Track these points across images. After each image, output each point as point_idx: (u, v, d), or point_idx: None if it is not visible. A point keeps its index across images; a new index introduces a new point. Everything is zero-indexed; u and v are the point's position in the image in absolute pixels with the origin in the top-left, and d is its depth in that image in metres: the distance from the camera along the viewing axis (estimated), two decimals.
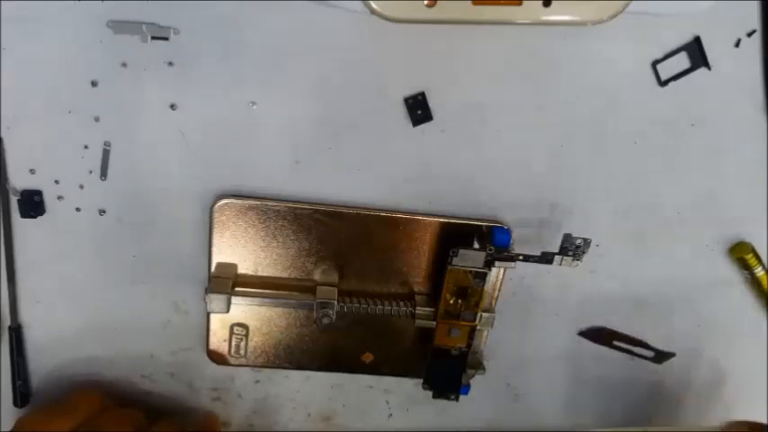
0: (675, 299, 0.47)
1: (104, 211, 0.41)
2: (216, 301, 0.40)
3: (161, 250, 0.43)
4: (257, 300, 0.42)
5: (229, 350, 0.45)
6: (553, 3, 0.34)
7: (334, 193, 0.42)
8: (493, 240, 0.41)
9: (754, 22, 0.39)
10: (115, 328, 0.45)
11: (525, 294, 0.46)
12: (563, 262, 0.40)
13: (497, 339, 0.47)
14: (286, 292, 0.43)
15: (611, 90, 0.40)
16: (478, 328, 0.43)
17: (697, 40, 0.39)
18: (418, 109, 0.40)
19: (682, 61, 0.40)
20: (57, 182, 0.40)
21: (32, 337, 0.45)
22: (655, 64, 0.40)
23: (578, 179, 0.43)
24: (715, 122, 0.42)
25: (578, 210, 0.43)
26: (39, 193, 0.41)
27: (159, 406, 0.47)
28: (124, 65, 0.38)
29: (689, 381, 0.49)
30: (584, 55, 0.39)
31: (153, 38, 0.37)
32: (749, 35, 0.39)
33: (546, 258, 0.40)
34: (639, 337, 0.47)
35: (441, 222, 0.42)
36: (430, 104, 0.40)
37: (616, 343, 0.47)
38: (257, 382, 0.48)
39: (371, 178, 0.42)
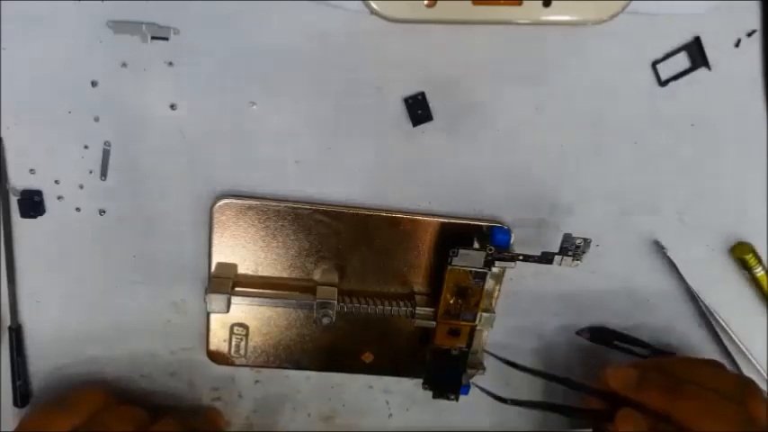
0: (675, 299, 0.47)
1: (104, 211, 0.41)
2: (216, 301, 0.40)
3: (161, 250, 0.43)
4: (257, 300, 0.42)
5: (229, 350, 0.45)
6: (553, 3, 0.34)
7: (334, 193, 0.42)
8: (493, 240, 0.41)
9: (755, 22, 0.39)
10: (115, 328, 0.45)
11: (525, 294, 0.46)
12: (563, 262, 0.40)
13: (497, 340, 0.47)
14: (286, 292, 0.43)
15: (611, 90, 0.40)
16: (478, 328, 0.43)
17: (697, 40, 0.39)
18: (418, 109, 0.40)
19: (682, 61, 0.40)
20: (57, 182, 0.40)
21: (32, 337, 0.45)
22: (655, 64, 0.40)
23: (578, 179, 0.43)
24: (715, 122, 0.42)
25: (578, 210, 0.43)
26: (39, 193, 0.41)
27: (159, 406, 0.47)
28: (124, 65, 0.38)
29: None
30: (584, 55, 0.39)
31: (153, 38, 0.37)
32: (749, 35, 0.39)
33: (546, 258, 0.40)
34: (639, 337, 0.47)
35: (441, 222, 0.42)
36: (430, 104, 0.40)
37: (616, 343, 0.47)
38: (257, 382, 0.48)
39: (371, 178, 0.42)
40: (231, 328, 0.45)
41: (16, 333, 0.44)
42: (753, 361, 0.47)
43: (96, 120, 0.39)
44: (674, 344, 0.48)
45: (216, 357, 0.46)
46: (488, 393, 0.43)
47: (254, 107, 0.39)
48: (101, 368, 0.46)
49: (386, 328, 0.45)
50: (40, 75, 0.38)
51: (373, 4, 0.34)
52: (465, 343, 0.44)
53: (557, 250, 0.40)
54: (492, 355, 0.44)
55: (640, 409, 0.39)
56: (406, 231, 0.43)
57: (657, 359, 0.46)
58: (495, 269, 0.41)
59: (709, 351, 0.48)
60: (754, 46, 0.40)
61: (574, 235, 0.39)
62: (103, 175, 0.40)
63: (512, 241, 0.42)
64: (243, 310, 0.44)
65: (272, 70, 0.38)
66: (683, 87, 0.40)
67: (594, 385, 0.42)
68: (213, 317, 0.44)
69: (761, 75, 0.40)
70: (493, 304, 0.44)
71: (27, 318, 0.44)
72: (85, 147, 0.40)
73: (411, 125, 0.40)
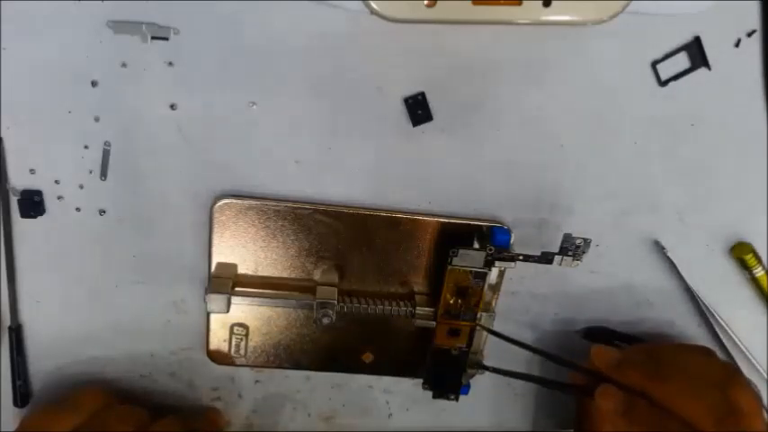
0: (675, 299, 0.47)
1: (104, 211, 0.41)
2: (216, 301, 0.40)
3: (161, 250, 0.43)
4: (257, 300, 0.42)
5: (229, 350, 0.45)
6: (553, 3, 0.34)
7: (334, 193, 0.42)
8: (493, 240, 0.41)
9: (754, 22, 0.39)
10: (115, 328, 0.45)
11: (525, 294, 0.46)
12: (563, 262, 0.40)
13: (498, 339, 0.46)
14: (286, 292, 0.43)
15: (611, 90, 0.40)
16: (478, 328, 0.43)
17: (697, 40, 0.39)
18: (418, 109, 0.40)
19: (682, 61, 0.40)
20: (57, 182, 0.40)
21: (32, 337, 0.45)
22: (655, 64, 0.40)
23: (578, 179, 0.43)
24: (715, 122, 0.42)
25: (578, 210, 0.43)
26: (39, 193, 0.41)
27: (159, 406, 0.47)
28: (124, 65, 0.38)
29: None
30: (584, 55, 0.39)
31: (153, 38, 0.37)
32: (749, 35, 0.39)
33: (546, 258, 0.40)
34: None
35: (441, 222, 0.42)
36: (430, 104, 0.40)
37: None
38: (257, 382, 0.48)
39: (371, 178, 0.42)
40: (231, 328, 0.45)
41: (16, 333, 0.44)
42: (752, 361, 0.47)
43: (96, 120, 0.39)
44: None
45: (216, 357, 0.46)
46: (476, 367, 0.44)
47: (254, 107, 0.39)
48: (101, 368, 0.46)
49: (386, 328, 0.45)
50: (40, 75, 0.38)
51: (373, 4, 0.34)
52: (465, 343, 0.44)
53: (557, 250, 0.40)
54: (483, 328, 0.43)
55: (622, 387, 0.39)
56: (406, 231, 0.43)
57: (647, 344, 0.46)
58: (494, 269, 0.41)
59: None
60: (754, 46, 0.40)
61: (574, 235, 0.39)
62: (103, 175, 0.40)
63: (512, 241, 0.42)
64: (243, 310, 0.44)
65: (273, 70, 0.38)
66: (683, 87, 0.40)
67: (582, 363, 0.43)
68: (213, 317, 0.44)
69: (761, 75, 0.40)
70: (493, 304, 0.44)
71: (27, 318, 0.44)
72: (85, 147, 0.40)
73: (411, 125, 0.40)
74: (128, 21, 0.37)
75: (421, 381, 0.46)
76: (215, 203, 0.41)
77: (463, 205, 0.43)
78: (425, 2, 0.34)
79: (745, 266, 0.45)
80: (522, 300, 0.46)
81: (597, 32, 0.37)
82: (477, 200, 0.43)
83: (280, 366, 0.46)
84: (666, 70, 0.40)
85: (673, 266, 0.45)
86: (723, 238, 0.45)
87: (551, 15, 0.34)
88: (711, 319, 0.47)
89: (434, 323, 0.43)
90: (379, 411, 0.50)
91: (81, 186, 0.41)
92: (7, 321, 0.44)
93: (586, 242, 0.40)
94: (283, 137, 0.40)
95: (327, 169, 0.41)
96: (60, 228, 0.42)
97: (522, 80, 0.40)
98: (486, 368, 0.44)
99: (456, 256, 0.40)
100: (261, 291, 0.43)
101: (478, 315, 0.43)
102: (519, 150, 0.42)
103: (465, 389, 0.46)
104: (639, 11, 0.37)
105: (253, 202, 0.41)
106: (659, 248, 0.45)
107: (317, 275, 0.44)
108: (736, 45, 0.40)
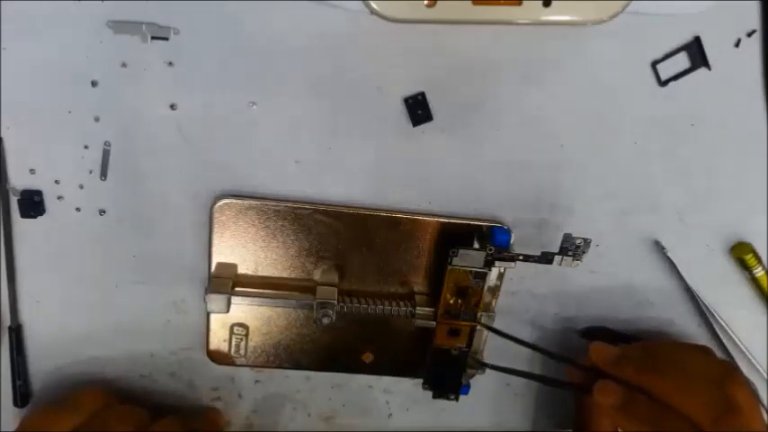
0: (675, 299, 0.47)
1: (104, 211, 0.41)
2: (216, 301, 0.40)
3: (161, 250, 0.43)
4: (257, 300, 0.42)
5: (229, 350, 0.45)
6: (553, 3, 0.34)
7: (335, 193, 0.42)
8: (493, 240, 0.41)
9: (754, 22, 0.39)
10: (115, 328, 0.45)
11: (525, 294, 0.46)
12: (563, 262, 0.40)
13: (497, 339, 0.46)
14: (286, 292, 0.43)
15: (611, 90, 0.40)
16: (478, 328, 0.43)
17: (697, 40, 0.39)
18: (418, 109, 0.40)
19: (682, 61, 0.40)
20: (57, 182, 0.40)
21: (32, 337, 0.45)
22: (655, 64, 0.40)
23: (578, 179, 0.43)
24: (715, 122, 0.42)
25: (578, 210, 0.43)
26: (39, 193, 0.41)
27: (159, 406, 0.47)
28: (124, 65, 0.38)
29: None
30: (584, 55, 0.39)
31: (153, 38, 0.37)
32: (749, 35, 0.39)
33: (546, 258, 0.40)
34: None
35: (441, 222, 0.42)
36: (430, 104, 0.40)
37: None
38: (257, 382, 0.48)
39: (371, 178, 0.42)
40: (231, 328, 0.45)
41: (16, 333, 0.44)
42: (752, 361, 0.47)
43: (96, 120, 0.39)
44: None
45: (216, 357, 0.46)
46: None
47: (254, 107, 0.39)
48: (101, 368, 0.46)
49: (386, 328, 0.45)
50: (40, 75, 0.38)
51: (373, 4, 0.34)
52: (465, 343, 0.44)
53: (557, 250, 0.40)
54: (483, 325, 0.43)
55: (620, 383, 0.39)
56: (406, 231, 0.43)
57: (645, 342, 0.46)
58: (494, 269, 0.41)
59: None
60: (754, 46, 0.40)
61: (574, 235, 0.39)
62: (103, 175, 0.40)
63: (512, 241, 0.42)
64: (243, 310, 0.44)
65: (273, 70, 0.38)
66: (683, 87, 0.40)
67: (581, 362, 0.43)
68: (213, 317, 0.44)
69: (761, 75, 0.40)
70: (493, 304, 0.44)
71: (27, 318, 0.44)
72: (85, 147, 0.40)
73: (411, 125, 0.40)
74: (128, 21, 0.37)
75: (421, 381, 0.46)
76: (215, 203, 0.41)
77: (463, 205, 0.43)
78: (425, 2, 0.34)
79: (745, 266, 0.45)
80: (522, 300, 0.46)
81: (597, 32, 0.37)
82: (477, 200, 0.43)
83: (280, 366, 0.46)
84: (666, 70, 0.40)
85: (673, 266, 0.45)
86: (723, 238, 0.45)
87: (551, 15, 0.34)
88: (711, 319, 0.47)
89: (434, 323, 0.43)
90: (379, 411, 0.50)
91: (81, 186, 0.41)
92: (7, 321, 0.44)
93: (586, 242, 0.40)
94: (283, 137, 0.40)
95: (327, 169, 0.41)
96: (60, 228, 0.42)
97: (522, 80, 0.40)
98: (486, 365, 0.44)
99: (456, 256, 0.40)
100: (261, 291, 0.43)
101: (478, 315, 0.43)
102: (519, 150, 0.42)
103: (465, 389, 0.46)
104: (639, 11, 0.37)
105: (253, 202, 0.41)
106: (659, 248, 0.45)
107: (317, 275, 0.44)
108: (736, 45, 0.40)
